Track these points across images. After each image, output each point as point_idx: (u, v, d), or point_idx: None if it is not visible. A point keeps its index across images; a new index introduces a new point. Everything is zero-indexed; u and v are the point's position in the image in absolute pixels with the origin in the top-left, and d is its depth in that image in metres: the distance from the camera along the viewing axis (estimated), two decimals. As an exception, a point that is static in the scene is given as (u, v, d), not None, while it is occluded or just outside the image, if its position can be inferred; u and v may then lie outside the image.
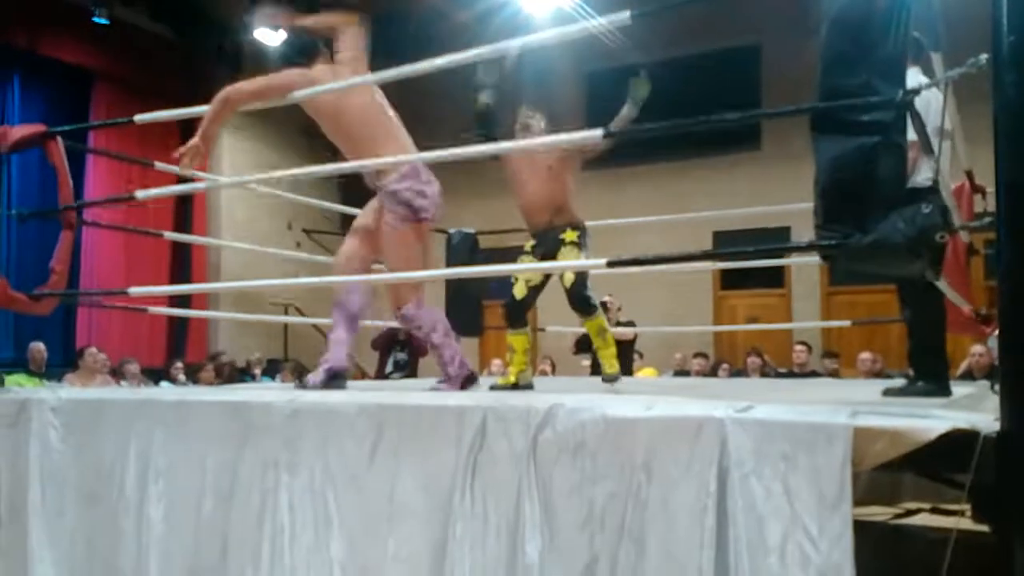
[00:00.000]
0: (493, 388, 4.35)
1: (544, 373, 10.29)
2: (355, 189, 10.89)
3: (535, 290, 4.57)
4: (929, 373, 4.00)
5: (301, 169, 4.56)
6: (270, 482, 3.03)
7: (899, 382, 4.19)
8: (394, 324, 8.85)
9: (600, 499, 2.43)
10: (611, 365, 4.36)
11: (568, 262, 4.33)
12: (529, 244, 4.57)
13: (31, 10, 11.17)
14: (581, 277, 4.31)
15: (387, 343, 9.11)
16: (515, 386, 4.47)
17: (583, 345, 8.04)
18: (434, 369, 8.52)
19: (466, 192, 11.01)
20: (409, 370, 9.01)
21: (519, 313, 4.61)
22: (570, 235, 4.40)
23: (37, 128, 4.51)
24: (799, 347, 10.08)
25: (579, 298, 4.29)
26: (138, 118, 4.42)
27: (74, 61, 11.88)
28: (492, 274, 4.11)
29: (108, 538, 3.40)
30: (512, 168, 4.56)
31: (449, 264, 6.48)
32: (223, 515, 3.14)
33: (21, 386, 4.85)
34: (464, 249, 6.53)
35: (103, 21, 11.42)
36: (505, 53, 3.57)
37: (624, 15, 3.10)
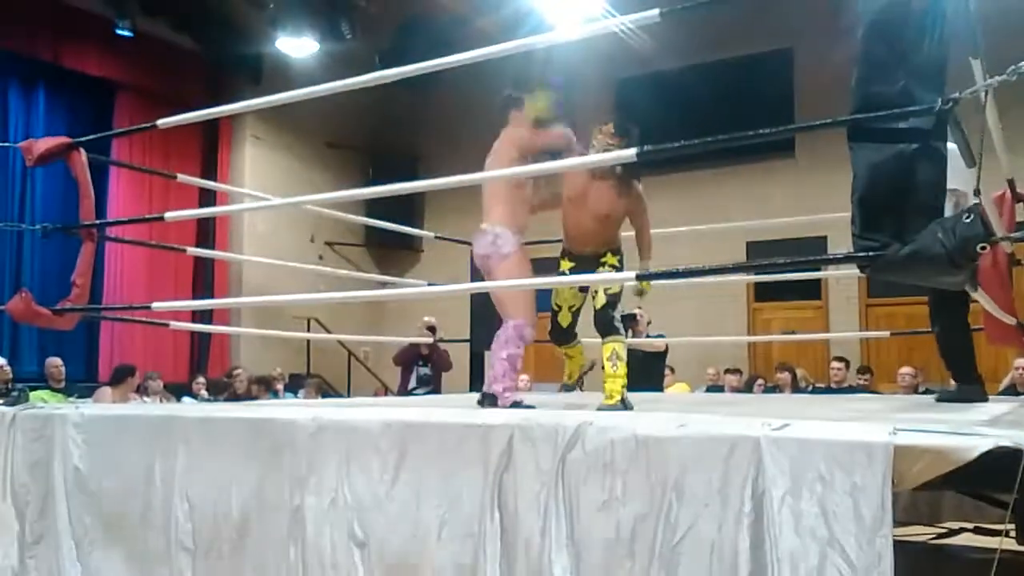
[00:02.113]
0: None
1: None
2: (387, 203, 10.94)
3: (577, 312, 4.54)
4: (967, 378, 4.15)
5: (342, 193, 4.52)
6: (296, 500, 2.99)
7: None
8: (416, 339, 8.84)
9: (629, 520, 2.36)
10: (609, 394, 3.92)
11: (597, 275, 4.20)
12: (567, 264, 4.43)
13: (55, 23, 11.28)
14: (612, 299, 4.14)
15: (410, 358, 9.06)
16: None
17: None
18: (456, 384, 8.53)
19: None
20: (433, 385, 8.96)
21: (568, 336, 4.64)
22: (611, 259, 4.29)
23: (61, 141, 4.51)
24: (836, 363, 9.87)
25: (603, 319, 4.13)
26: (161, 122, 4.41)
27: (97, 73, 11.98)
28: (518, 287, 4.02)
29: (139, 558, 3.37)
30: (575, 193, 4.30)
31: (474, 277, 6.42)
32: (252, 534, 3.10)
33: (45, 402, 4.83)
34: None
35: (126, 33, 11.51)
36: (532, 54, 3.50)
37: (653, 13, 3.04)
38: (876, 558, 2.05)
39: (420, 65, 3.63)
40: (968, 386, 4.24)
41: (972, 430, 2.23)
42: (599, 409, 3.69)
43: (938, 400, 4.32)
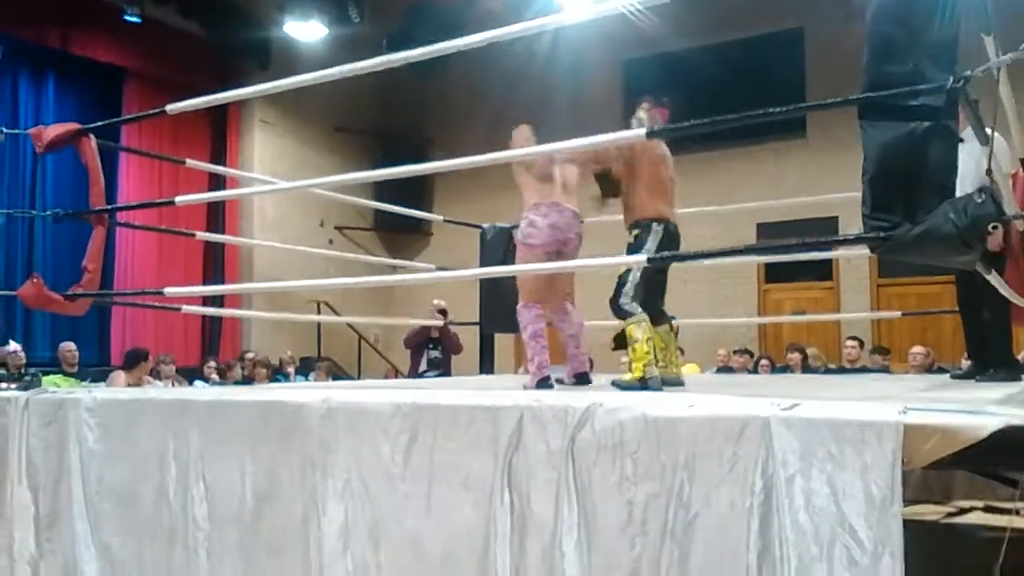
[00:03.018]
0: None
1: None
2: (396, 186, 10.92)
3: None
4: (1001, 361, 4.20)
5: (350, 176, 4.50)
6: (309, 483, 3.01)
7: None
8: (426, 322, 8.85)
9: (641, 500, 2.37)
10: (635, 369, 3.96)
11: (608, 259, 4.18)
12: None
13: (64, 10, 11.28)
14: (622, 279, 4.15)
15: (420, 341, 9.07)
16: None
17: (620, 342, 7.91)
18: (466, 367, 8.54)
19: (504, 184, 10.97)
20: (443, 368, 8.97)
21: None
22: (631, 235, 4.30)
23: (70, 127, 4.53)
24: (850, 342, 9.76)
25: (612, 304, 4.14)
26: (170, 108, 4.41)
27: (106, 60, 11.98)
28: (527, 271, 4.02)
29: (154, 539, 3.40)
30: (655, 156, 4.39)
31: (483, 260, 6.41)
32: (267, 516, 3.13)
33: (58, 386, 4.86)
34: (499, 244, 6.38)
35: (135, 19, 11.51)
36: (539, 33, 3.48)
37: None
38: (886, 536, 2.05)
39: (428, 48, 3.62)
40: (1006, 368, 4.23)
41: (982, 409, 2.23)
42: (612, 384, 3.74)
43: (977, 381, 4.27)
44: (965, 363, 4.70)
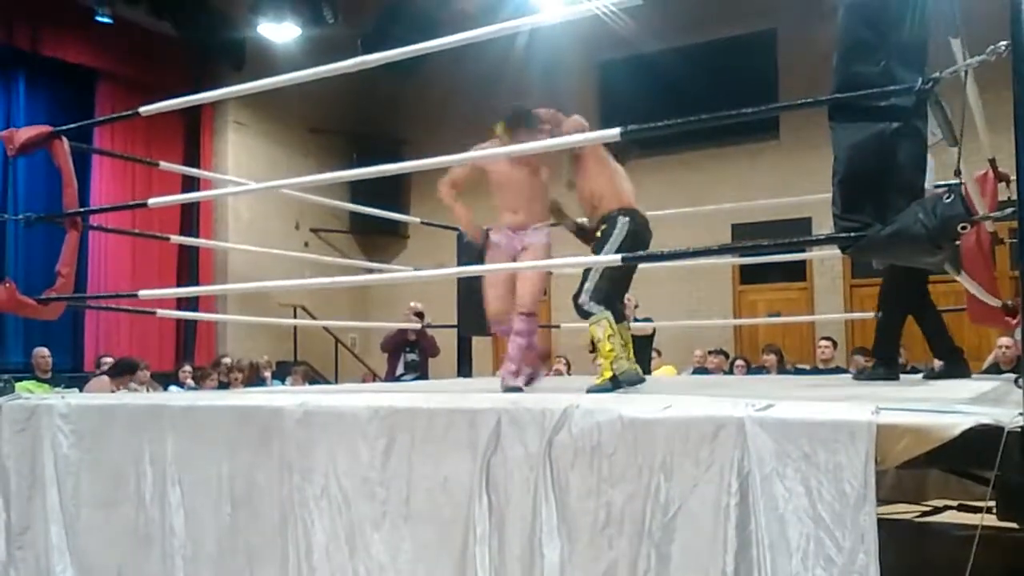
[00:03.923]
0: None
1: (559, 373, 10.20)
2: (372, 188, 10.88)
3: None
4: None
5: (328, 175, 4.48)
6: (287, 487, 3.00)
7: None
8: (403, 326, 8.83)
9: (618, 501, 2.39)
10: (604, 368, 3.90)
11: (579, 259, 4.16)
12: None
13: (34, 10, 11.16)
14: (584, 277, 4.02)
15: (397, 345, 9.05)
16: None
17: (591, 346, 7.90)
18: (444, 369, 8.53)
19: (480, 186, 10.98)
20: (421, 371, 8.95)
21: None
22: (599, 231, 4.17)
23: (43, 129, 4.48)
24: (824, 343, 9.82)
25: (575, 301, 4.07)
26: (144, 110, 4.38)
27: (78, 61, 11.88)
28: (503, 271, 4.01)
29: (130, 544, 3.38)
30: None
31: (460, 262, 6.39)
32: (244, 521, 3.11)
33: (31, 392, 4.82)
34: (474, 246, 6.36)
35: (106, 20, 11.40)
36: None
37: (636, -3, 3.02)
38: (860, 536, 2.08)
39: (403, 50, 3.61)
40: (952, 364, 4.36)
41: (954, 408, 2.26)
42: (588, 391, 3.70)
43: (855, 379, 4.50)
44: (937, 363, 4.78)
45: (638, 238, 4.07)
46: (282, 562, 2.97)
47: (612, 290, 4.07)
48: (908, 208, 2.38)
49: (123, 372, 8.33)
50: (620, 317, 4.18)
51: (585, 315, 3.97)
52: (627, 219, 4.05)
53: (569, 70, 12.70)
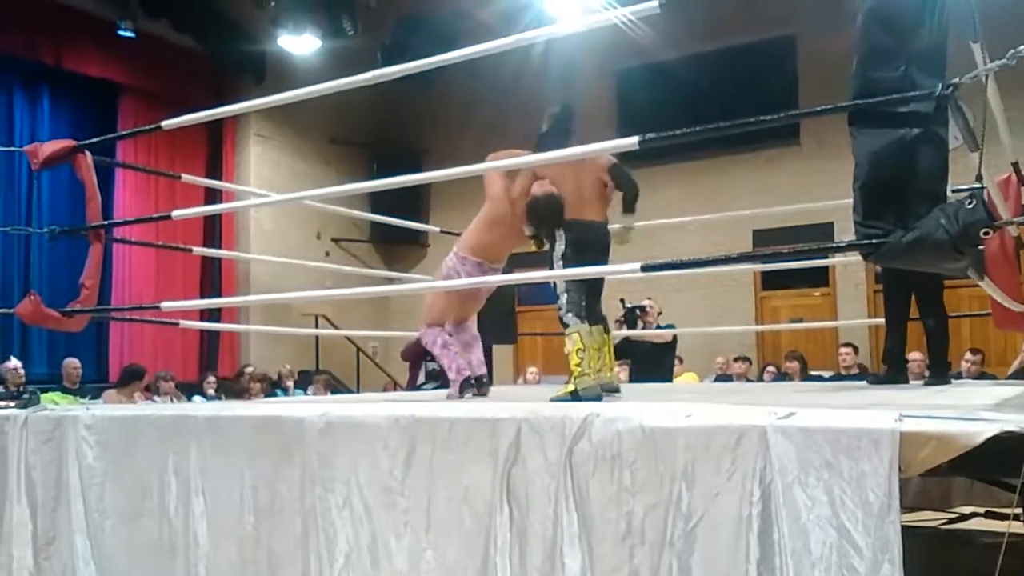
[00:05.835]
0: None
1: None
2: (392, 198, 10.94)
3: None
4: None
5: (349, 186, 4.51)
6: (309, 497, 3.01)
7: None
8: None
9: (640, 510, 2.38)
10: (569, 382, 3.90)
11: (603, 267, 4.13)
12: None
13: (57, 25, 11.28)
14: (555, 290, 4.07)
15: (418, 354, 9.05)
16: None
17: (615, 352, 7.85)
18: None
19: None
20: (442, 380, 8.95)
21: None
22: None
23: (66, 144, 4.53)
24: (845, 349, 9.75)
25: (558, 316, 4.13)
26: (166, 124, 4.42)
27: (100, 75, 11.99)
28: (514, 282, 4.01)
29: (154, 554, 3.41)
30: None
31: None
32: (267, 531, 3.13)
33: (56, 403, 4.86)
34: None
35: (128, 34, 11.51)
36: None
37: (653, 3, 3.01)
38: (884, 544, 2.06)
39: (422, 61, 3.63)
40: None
41: (978, 415, 2.23)
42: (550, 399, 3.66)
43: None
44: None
45: (590, 244, 4.11)
46: (304, 572, 2.98)
47: (587, 295, 4.10)
48: (930, 214, 2.36)
49: (129, 380, 8.37)
50: (597, 319, 4.24)
51: (564, 326, 4.01)
52: (561, 230, 4.10)
53: (587, 79, 12.69)
